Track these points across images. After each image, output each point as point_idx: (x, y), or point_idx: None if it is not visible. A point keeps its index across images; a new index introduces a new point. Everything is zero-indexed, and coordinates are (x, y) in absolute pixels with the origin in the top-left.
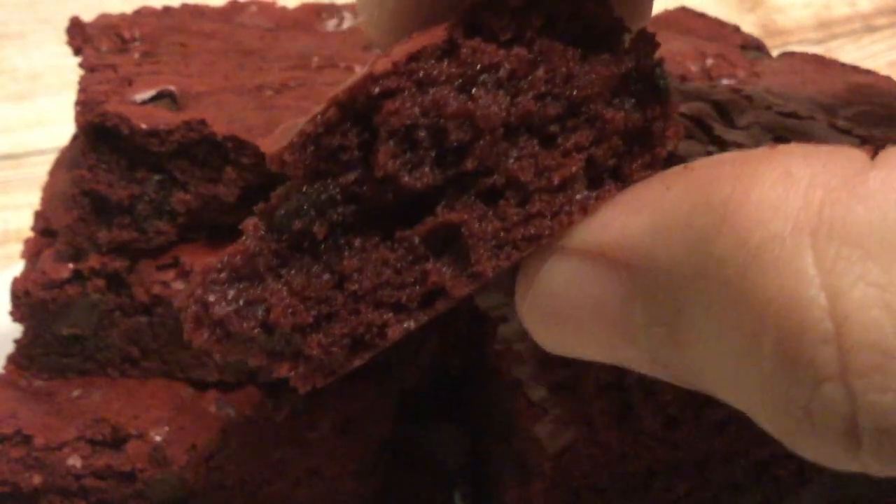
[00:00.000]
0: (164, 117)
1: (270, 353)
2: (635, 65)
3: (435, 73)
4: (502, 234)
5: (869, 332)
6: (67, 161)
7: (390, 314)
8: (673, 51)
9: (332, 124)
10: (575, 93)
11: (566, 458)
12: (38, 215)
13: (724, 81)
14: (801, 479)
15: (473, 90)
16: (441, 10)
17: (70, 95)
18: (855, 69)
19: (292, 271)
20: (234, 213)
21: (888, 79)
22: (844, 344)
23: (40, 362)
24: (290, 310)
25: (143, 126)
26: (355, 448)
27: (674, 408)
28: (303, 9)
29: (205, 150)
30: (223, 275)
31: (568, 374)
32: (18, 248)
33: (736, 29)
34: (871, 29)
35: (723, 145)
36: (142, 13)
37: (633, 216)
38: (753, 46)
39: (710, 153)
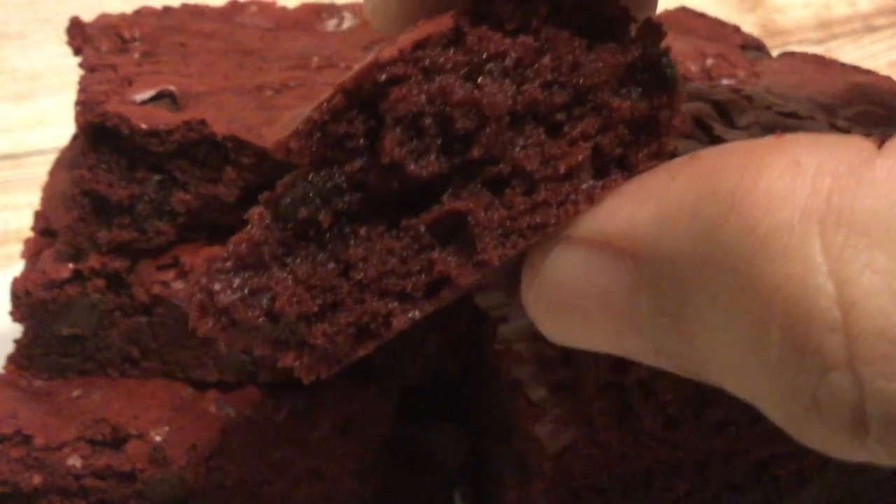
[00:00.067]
0: (164, 117)
1: (275, 343)
2: (641, 54)
3: (441, 60)
4: (508, 222)
5: (876, 319)
6: (67, 161)
7: (395, 303)
8: (673, 51)
9: (339, 111)
10: (581, 81)
11: (566, 458)
12: (38, 215)
13: (724, 81)
14: (801, 479)
15: (479, 78)
16: (446, 1)
17: (70, 95)
18: (855, 69)
19: (297, 260)
20: (234, 213)
21: (888, 79)
22: (852, 332)
23: (40, 362)
24: (295, 298)
25: (143, 126)
26: (355, 448)
27: (674, 408)
28: (303, 9)
29: (205, 150)
30: (228, 263)
31: (568, 374)
32: (18, 248)
33: (736, 29)
34: (871, 29)
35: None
36: (142, 13)
37: (639, 205)
38: (753, 46)
39: None
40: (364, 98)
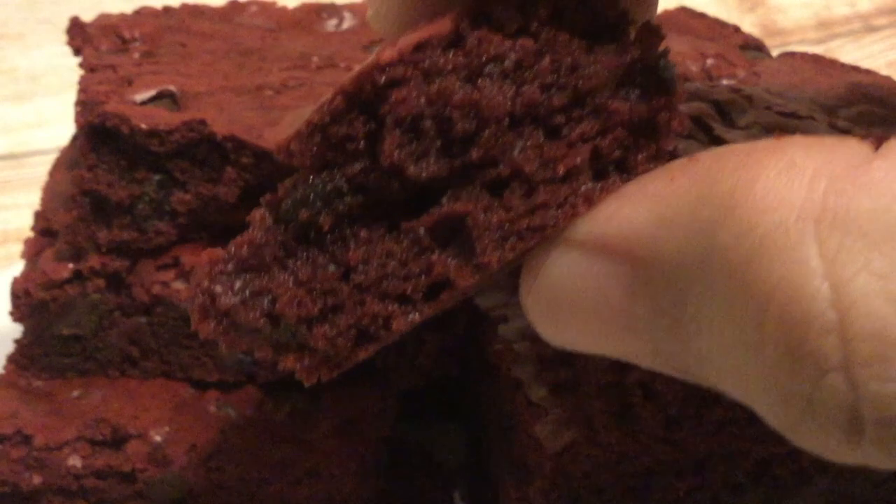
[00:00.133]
0: (164, 117)
1: (276, 345)
2: (640, 56)
3: (441, 62)
4: (507, 224)
5: (871, 322)
6: (67, 161)
7: (395, 306)
8: (673, 51)
9: (339, 113)
10: (580, 84)
11: (566, 458)
12: (38, 215)
13: (724, 81)
14: (801, 479)
15: (479, 80)
16: (446, 4)
17: (70, 95)
18: (855, 69)
19: (298, 262)
20: (234, 213)
21: (888, 79)
22: (847, 334)
23: (40, 362)
24: (295, 300)
25: (143, 126)
26: (355, 448)
27: (674, 408)
28: (303, 9)
29: (205, 150)
30: (230, 265)
31: (568, 374)
32: (18, 248)
33: (736, 29)
34: (871, 29)
35: (723, 145)
36: (142, 13)
37: (637, 207)
38: (753, 46)
39: None
40: (364, 100)
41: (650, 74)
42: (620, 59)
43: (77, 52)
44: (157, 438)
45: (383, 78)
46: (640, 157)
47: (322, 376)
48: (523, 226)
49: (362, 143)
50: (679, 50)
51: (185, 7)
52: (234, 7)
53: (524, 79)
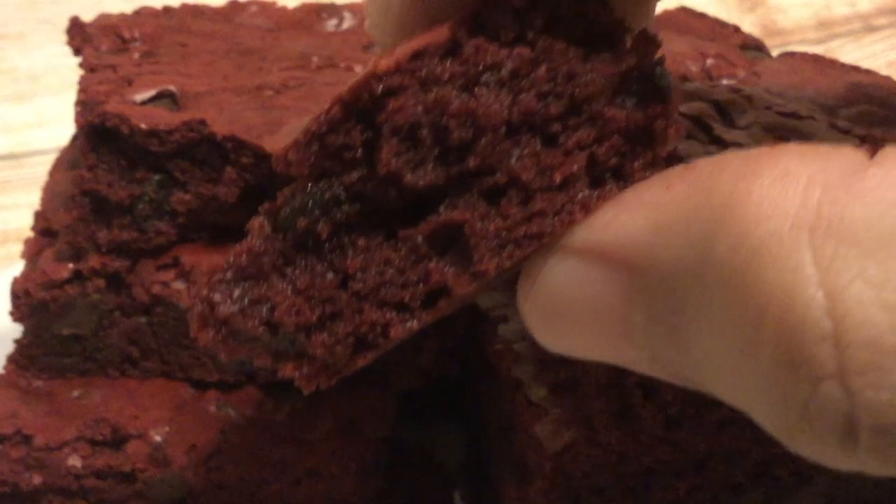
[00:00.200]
0: (164, 117)
1: (275, 353)
2: (637, 64)
3: (438, 71)
4: (504, 232)
5: (866, 330)
6: (67, 161)
7: (393, 313)
8: (673, 51)
9: (336, 123)
10: (577, 92)
11: (566, 458)
12: (38, 215)
13: (724, 81)
14: (801, 479)
15: (476, 89)
16: (444, 13)
17: (70, 95)
18: (855, 69)
19: (297, 270)
20: (234, 213)
21: (888, 79)
22: (842, 342)
23: (40, 362)
24: (294, 309)
25: (143, 126)
26: (355, 448)
27: (674, 408)
28: (303, 9)
29: (205, 150)
30: (229, 274)
31: (568, 374)
32: (18, 248)
33: (736, 29)
34: (871, 29)
35: (723, 145)
36: (142, 13)
37: (634, 215)
38: (753, 46)
39: (709, 153)
40: (361, 109)
41: (646, 82)
42: (617, 67)
43: (77, 52)
44: (157, 438)
45: (380, 87)
46: (636, 164)
47: (321, 384)
48: (520, 233)
49: (360, 151)
50: (679, 50)
51: (185, 7)
52: (234, 7)
53: (521, 87)
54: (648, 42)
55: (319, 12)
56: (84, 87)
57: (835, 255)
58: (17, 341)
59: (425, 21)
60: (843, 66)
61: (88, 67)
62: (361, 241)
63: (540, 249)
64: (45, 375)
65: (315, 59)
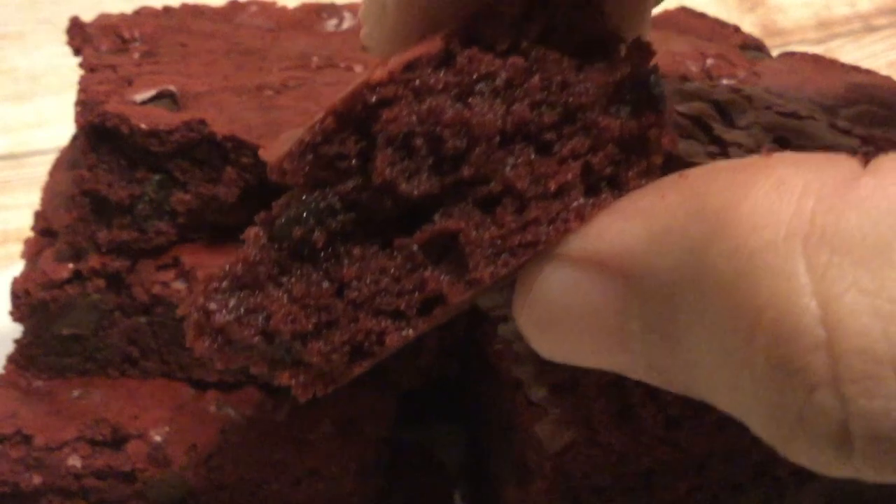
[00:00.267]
0: (164, 117)
1: (271, 362)
2: (631, 73)
3: (431, 81)
4: (499, 241)
5: (859, 338)
6: (67, 161)
7: (389, 321)
8: (673, 51)
9: (330, 133)
10: (571, 101)
11: (566, 458)
12: (38, 215)
13: (724, 81)
14: (801, 479)
15: (470, 99)
16: (440, 27)
17: (70, 95)
18: (855, 69)
19: (293, 279)
20: (234, 213)
21: (888, 79)
22: (835, 350)
23: (40, 362)
24: (290, 317)
25: (143, 126)
26: (355, 448)
27: (674, 408)
28: (303, 9)
29: (205, 150)
30: (225, 283)
31: (568, 375)
32: (18, 248)
33: (736, 29)
34: (871, 29)
35: (723, 145)
36: (142, 13)
37: (629, 224)
38: (753, 46)
39: (709, 153)
40: (355, 119)
41: (641, 91)
42: (611, 76)
43: (77, 52)
44: (157, 438)
45: (374, 97)
46: (631, 172)
47: (317, 392)
48: (515, 242)
49: (354, 161)
50: (679, 50)
51: (185, 7)
52: (234, 7)
53: (515, 97)
54: (642, 51)
55: (319, 12)
56: (84, 87)
57: (829, 264)
58: (17, 341)
59: (420, 31)
60: (843, 66)
61: (88, 67)
62: (357, 250)
63: (535, 258)
64: (45, 375)
65: (315, 59)
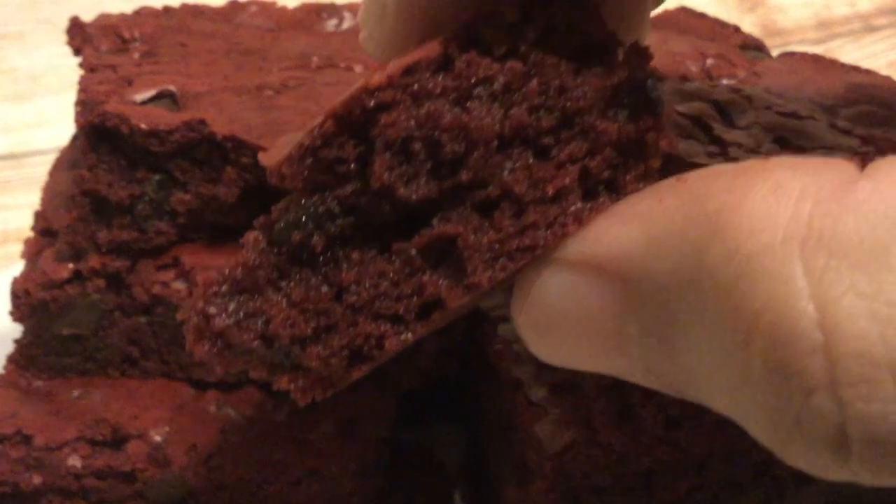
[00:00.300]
0: (164, 117)
1: (270, 366)
2: (628, 77)
3: (430, 86)
4: (497, 245)
5: (857, 342)
6: (67, 161)
7: (388, 326)
8: (673, 51)
9: (329, 137)
10: (569, 105)
11: (566, 458)
12: (38, 215)
13: (724, 81)
14: (801, 480)
15: (468, 103)
16: (439, 30)
17: (70, 95)
18: (855, 69)
19: (292, 283)
20: (234, 213)
21: (888, 79)
22: (833, 354)
23: (40, 362)
24: (289, 321)
25: (143, 126)
26: (355, 448)
27: (674, 408)
28: (303, 9)
29: (205, 150)
30: (224, 287)
31: (568, 375)
32: (18, 248)
33: (736, 29)
34: (871, 29)
35: (723, 145)
36: (142, 13)
37: (626, 227)
38: (753, 46)
39: (709, 153)
40: (354, 123)
41: (638, 95)
42: (608, 81)
43: (77, 52)
44: (157, 438)
45: (372, 102)
46: (629, 176)
47: (316, 396)
48: (513, 246)
49: (353, 165)
50: (679, 50)
51: (185, 7)
52: (234, 7)
53: (513, 101)
54: (640, 55)
55: (319, 12)
56: (84, 87)
57: (826, 268)
58: (17, 341)
59: (418, 35)
60: (843, 66)
61: (88, 67)
62: (356, 255)
63: (533, 262)
64: (45, 375)
65: (315, 59)
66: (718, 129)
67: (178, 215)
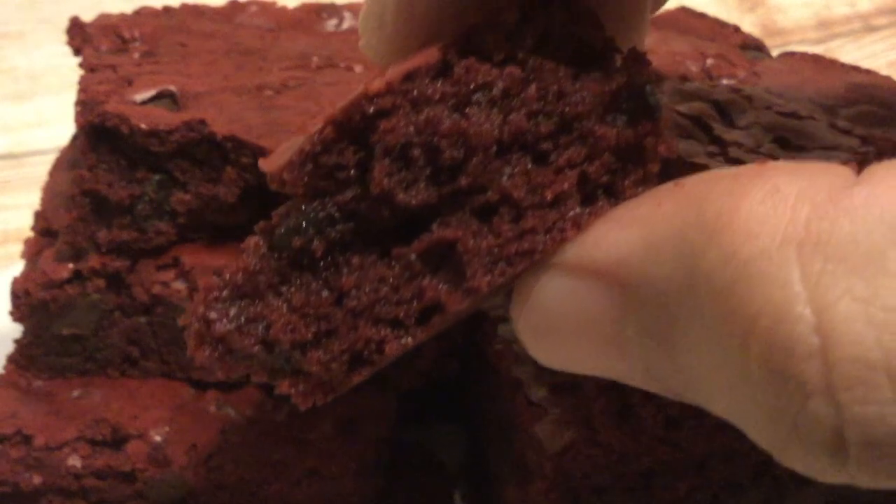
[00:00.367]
0: (164, 117)
1: (271, 371)
2: (627, 82)
3: (429, 92)
4: (496, 250)
5: (853, 346)
6: (67, 161)
7: (388, 330)
8: (673, 51)
9: (329, 143)
10: (567, 110)
11: (566, 458)
12: (38, 215)
13: (724, 81)
14: (801, 480)
15: (467, 108)
16: (438, 37)
17: (70, 95)
18: (855, 69)
19: (292, 289)
20: (234, 213)
21: (888, 79)
22: (830, 358)
23: (40, 362)
24: (289, 326)
25: (143, 126)
26: (355, 448)
27: (674, 408)
28: (303, 9)
29: (205, 150)
30: (225, 293)
31: (568, 375)
32: (18, 248)
33: (736, 29)
34: (871, 29)
35: (723, 145)
36: (142, 13)
37: (625, 232)
38: (753, 46)
39: (709, 153)
40: (354, 130)
41: (637, 100)
42: (607, 86)
43: (77, 52)
44: (157, 438)
45: (372, 108)
46: (627, 181)
47: (317, 401)
48: (512, 251)
49: (353, 171)
50: (679, 50)
51: (185, 7)
52: (234, 7)
53: (511, 106)
54: (638, 60)
55: (319, 12)
56: (84, 87)
57: (822, 272)
58: (17, 341)
59: (418, 41)
60: (843, 66)
61: (88, 67)
62: (356, 260)
63: (532, 266)
64: (45, 375)
65: (315, 59)
66: (718, 129)
67: (178, 215)
